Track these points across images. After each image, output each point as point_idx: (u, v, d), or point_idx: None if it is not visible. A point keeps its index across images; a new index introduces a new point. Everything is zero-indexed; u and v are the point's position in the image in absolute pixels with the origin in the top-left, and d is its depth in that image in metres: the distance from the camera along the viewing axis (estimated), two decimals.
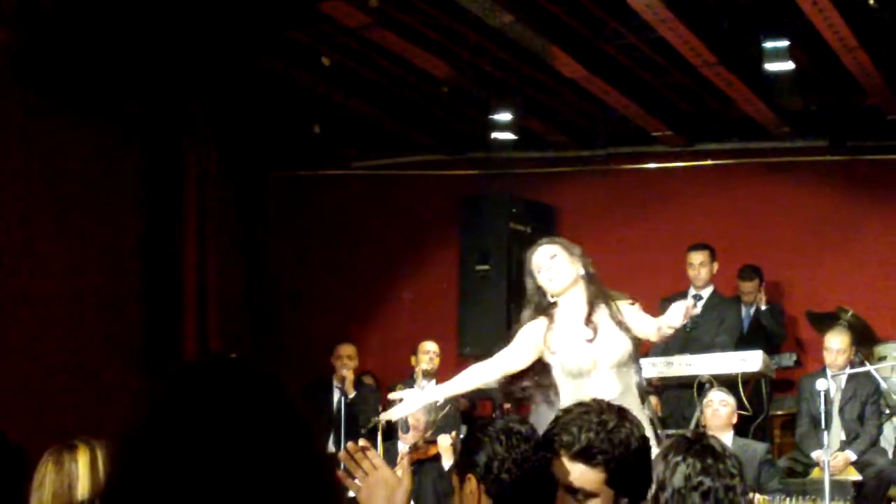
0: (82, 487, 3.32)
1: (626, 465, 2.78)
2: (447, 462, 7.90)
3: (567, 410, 2.89)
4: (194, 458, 1.32)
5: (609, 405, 2.88)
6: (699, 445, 2.99)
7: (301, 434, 1.40)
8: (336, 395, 9.01)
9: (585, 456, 2.77)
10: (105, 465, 3.29)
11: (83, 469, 3.32)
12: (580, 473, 2.77)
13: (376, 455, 2.74)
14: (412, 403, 5.27)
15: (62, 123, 7.39)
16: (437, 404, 8.18)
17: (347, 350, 9.16)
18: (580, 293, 4.97)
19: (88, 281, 7.61)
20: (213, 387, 1.37)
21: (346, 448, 2.73)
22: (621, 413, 2.84)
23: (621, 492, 2.80)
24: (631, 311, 5.01)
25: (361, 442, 2.79)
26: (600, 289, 5.01)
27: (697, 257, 8.77)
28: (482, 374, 5.09)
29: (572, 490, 2.79)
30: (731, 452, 3.03)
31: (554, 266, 4.96)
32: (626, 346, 4.90)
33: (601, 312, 4.94)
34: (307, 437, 1.40)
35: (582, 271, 4.97)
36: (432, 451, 8.01)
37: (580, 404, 2.92)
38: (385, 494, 2.67)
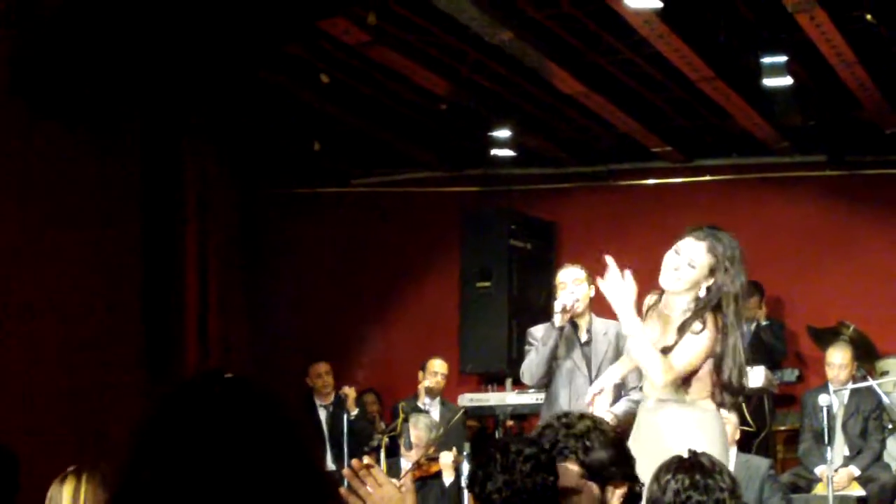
0: None
1: (597, 456, 2.93)
2: (448, 479, 7.88)
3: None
4: (192, 476, 1.31)
5: (582, 414, 3.09)
6: (689, 462, 3.02)
7: (298, 451, 1.39)
8: (322, 413, 8.99)
9: (559, 455, 2.93)
10: (87, 494, 3.33)
11: (66, 500, 3.36)
12: (560, 472, 2.89)
13: (381, 472, 2.73)
14: (606, 384, 5.02)
15: (62, 135, 7.39)
16: (451, 421, 8.17)
17: (323, 367, 9.15)
18: (682, 304, 4.61)
19: (87, 292, 7.60)
20: (209, 405, 1.36)
21: (350, 466, 2.72)
22: (583, 414, 3.09)
23: (601, 481, 2.92)
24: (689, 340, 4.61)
25: (366, 459, 2.79)
26: (703, 310, 4.55)
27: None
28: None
29: (562, 492, 2.89)
30: (723, 468, 3.05)
31: (683, 269, 4.59)
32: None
33: (672, 324, 4.61)
34: (305, 454, 1.40)
35: (702, 293, 4.56)
36: (434, 469, 7.99)
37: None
38: None
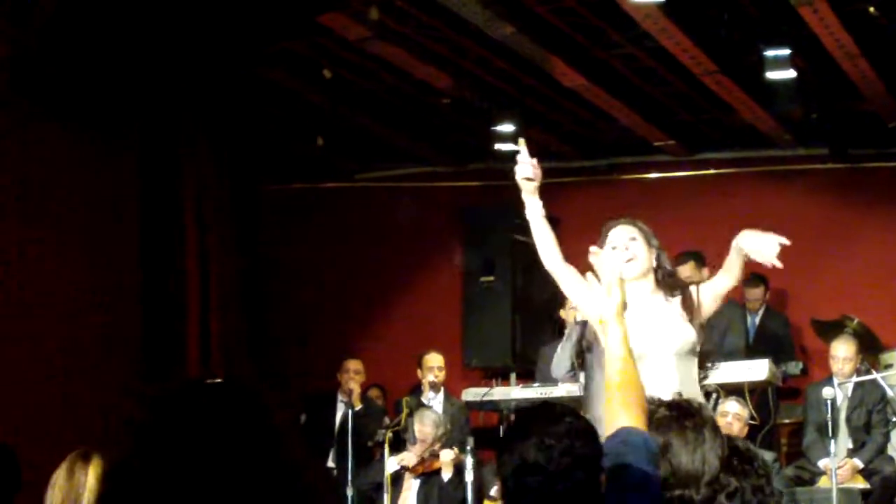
0: (88, 501, 3.32)
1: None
2: (447, 475, 7.91)
3: None
4: (169, 483, 1.31)
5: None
6: (727, 448, 2.98)
7: (277, 454, 1.39)
8: (341, 409, 8.99)
9: None
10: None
11: (92, 482, 3.32)
12: None
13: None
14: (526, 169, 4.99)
15: (59, 134, 7.39)
16: (445, 415, 8.16)
17: (355, 365, 9.14)
18: (648, 287, 4.64)
19: (87, 292, 7.60)
20: (192, 414, 1.36)
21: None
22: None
23: None
24: (706, 287, 4.69)
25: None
26: (674, 282, 4.64)
27: (685, 271, 8.68)
28: (550, 243, 4.89)
29: None
30: (757, 453, 3.02)
31: (633, 248, 4.64)
32: (689, 336, 4.57)
33: (669, 301, 4.61)
34: (284, 457, 1.40)
35: (655, 263, 4.64)
36: (436, 465, 8.00)
37: None
38: None
